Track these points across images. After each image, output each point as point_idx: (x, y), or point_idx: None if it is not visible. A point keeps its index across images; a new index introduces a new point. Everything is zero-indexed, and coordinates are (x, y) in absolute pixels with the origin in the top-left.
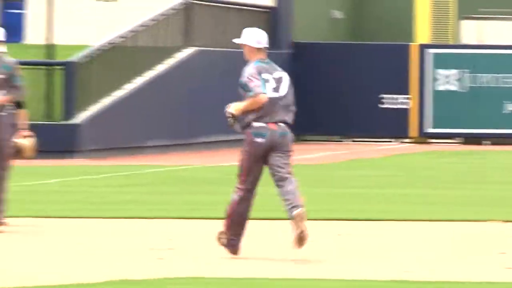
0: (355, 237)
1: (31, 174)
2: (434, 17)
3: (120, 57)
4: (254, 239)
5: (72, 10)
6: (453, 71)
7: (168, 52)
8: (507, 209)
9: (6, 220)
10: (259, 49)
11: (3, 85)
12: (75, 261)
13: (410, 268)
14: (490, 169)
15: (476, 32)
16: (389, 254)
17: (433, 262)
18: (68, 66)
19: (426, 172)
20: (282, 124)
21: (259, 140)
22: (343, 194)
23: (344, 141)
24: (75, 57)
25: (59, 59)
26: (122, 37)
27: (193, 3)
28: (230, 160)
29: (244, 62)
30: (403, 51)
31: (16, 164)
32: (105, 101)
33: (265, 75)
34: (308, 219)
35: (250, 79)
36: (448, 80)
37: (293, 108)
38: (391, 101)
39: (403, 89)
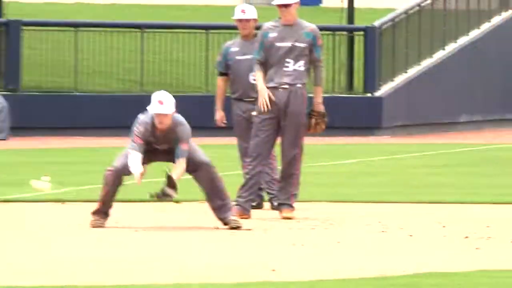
0: None
1: (327, 153)
2: None
3: (429, 21)
4: None
5: None
6: None
7: (482, 16)
8: None
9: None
10: None
11: (301, 56)
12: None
13: None
14: None
15: None
16: None
17: None
18: (369, 32)
19: None
20: None
21: None
22: None
23: None
24: (377, 22)
25: (359, 24)
26: None
27: None
28: None
29: None
30: None
31: (310, 142)
32: (412, 71)
33: None
34: None
35: None
36: None
37: None
38: None
39: None
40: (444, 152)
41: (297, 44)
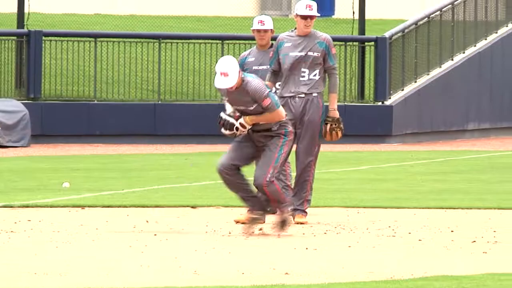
0: None
1: (340, 160)
2: None
3: (437, 32)
4: None
5: None
6: None
7: (489, 27)
8: None
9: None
10: None
11: (315, 65)
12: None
13: None
14: None
15: None
16: None
17: None
18: (380, 42)
19: None
20: None
21: None
22: None
23: None
24: (388, 32)
25: (370, 34)
26: (439, 10)
27: None
28: None
29: None
30: None
31: (323, 149)
32: (421, 81)
33: None
34: None
35: None
36: None
37: None
38: None
39: None
40: (452, 159)
41: (310, 53)
